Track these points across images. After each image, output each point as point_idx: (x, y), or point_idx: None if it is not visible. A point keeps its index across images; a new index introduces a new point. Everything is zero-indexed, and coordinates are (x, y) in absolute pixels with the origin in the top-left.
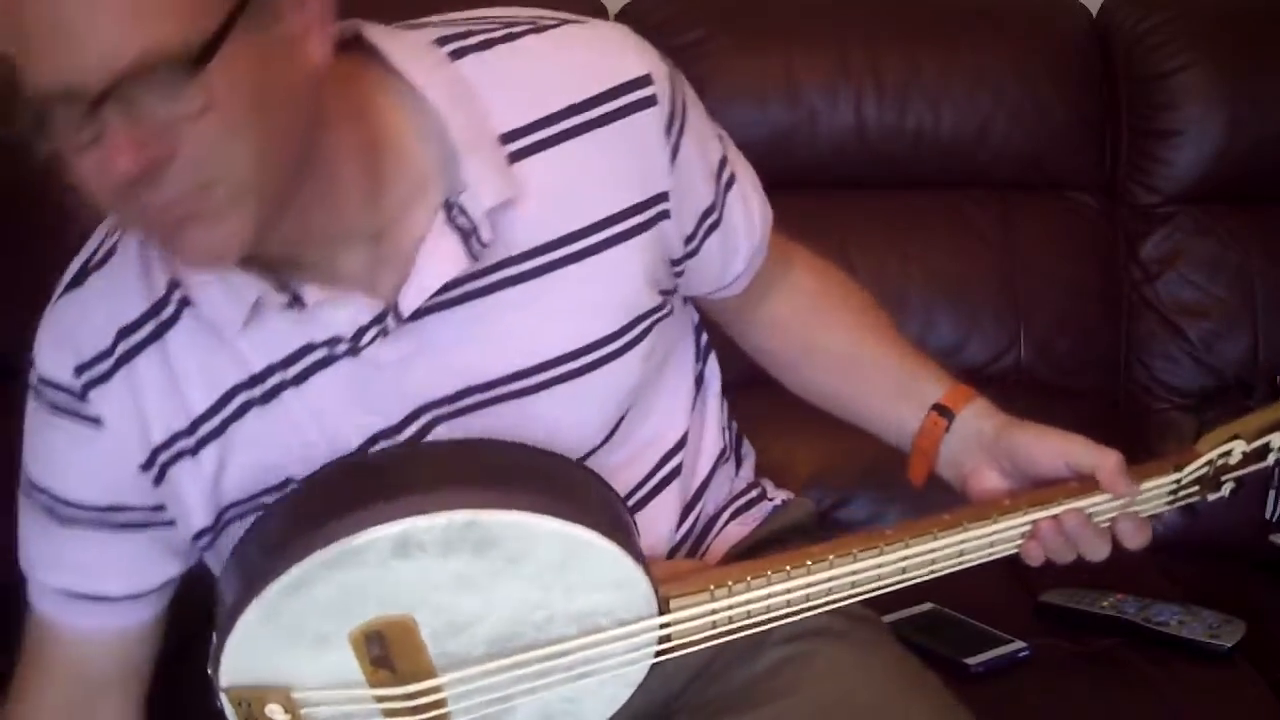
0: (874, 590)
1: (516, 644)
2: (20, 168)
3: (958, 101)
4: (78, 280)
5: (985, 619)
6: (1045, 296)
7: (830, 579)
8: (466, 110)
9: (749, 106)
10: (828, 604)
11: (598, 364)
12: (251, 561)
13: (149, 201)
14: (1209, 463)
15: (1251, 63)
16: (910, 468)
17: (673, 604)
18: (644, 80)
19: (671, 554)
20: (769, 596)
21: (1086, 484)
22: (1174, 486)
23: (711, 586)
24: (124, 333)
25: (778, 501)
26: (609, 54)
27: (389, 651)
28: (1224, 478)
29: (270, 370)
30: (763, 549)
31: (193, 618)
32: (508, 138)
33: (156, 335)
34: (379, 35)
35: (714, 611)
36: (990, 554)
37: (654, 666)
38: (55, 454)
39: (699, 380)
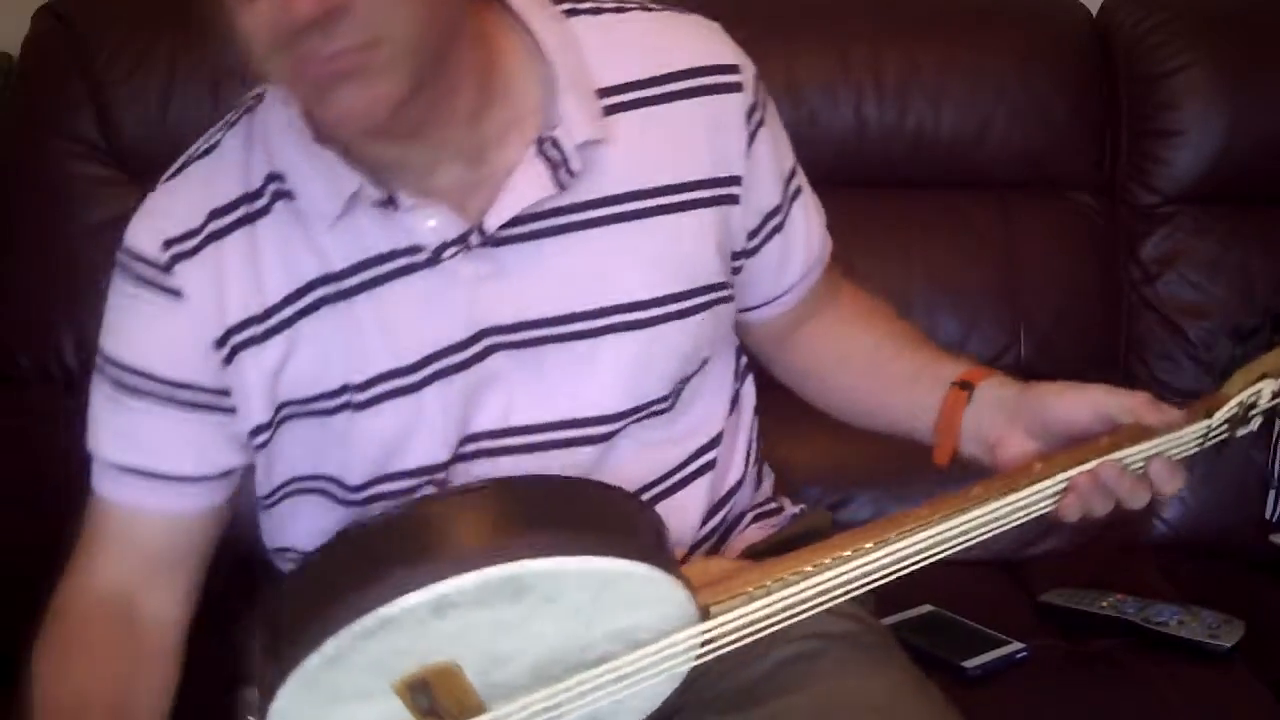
0: (906, 569)
1: (561, 668)
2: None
3: (958, 101)
4: (177, 172)
5: (985, 620)
6: (1045, 296)
7: (865, 565)
8: (571, 58)
9: None
10: (864, 587)
11: (661, 320)
12: (287, 628)
13: (315, 51)
14: (1239, 404)
15: (1251, 63)
16: (934, 448)
17: (713, 610)
18: (733, 68)
19: (694, 549)
20: (807, 590)
21: (1117, 437)
22: (1204, 431)
23: (750, 589)
24: (215, 214)
25: (796, 510)
26: (705, 39)
27: (434, 696)
28: (1251, 414)
29: (351, 270)
30: (783, 548)
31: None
32: (604, 92)
33: (246, 221)
34: None
35: (754, 613)
36: (1024, 517)
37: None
38: (133, 325)
39: (735, 398)
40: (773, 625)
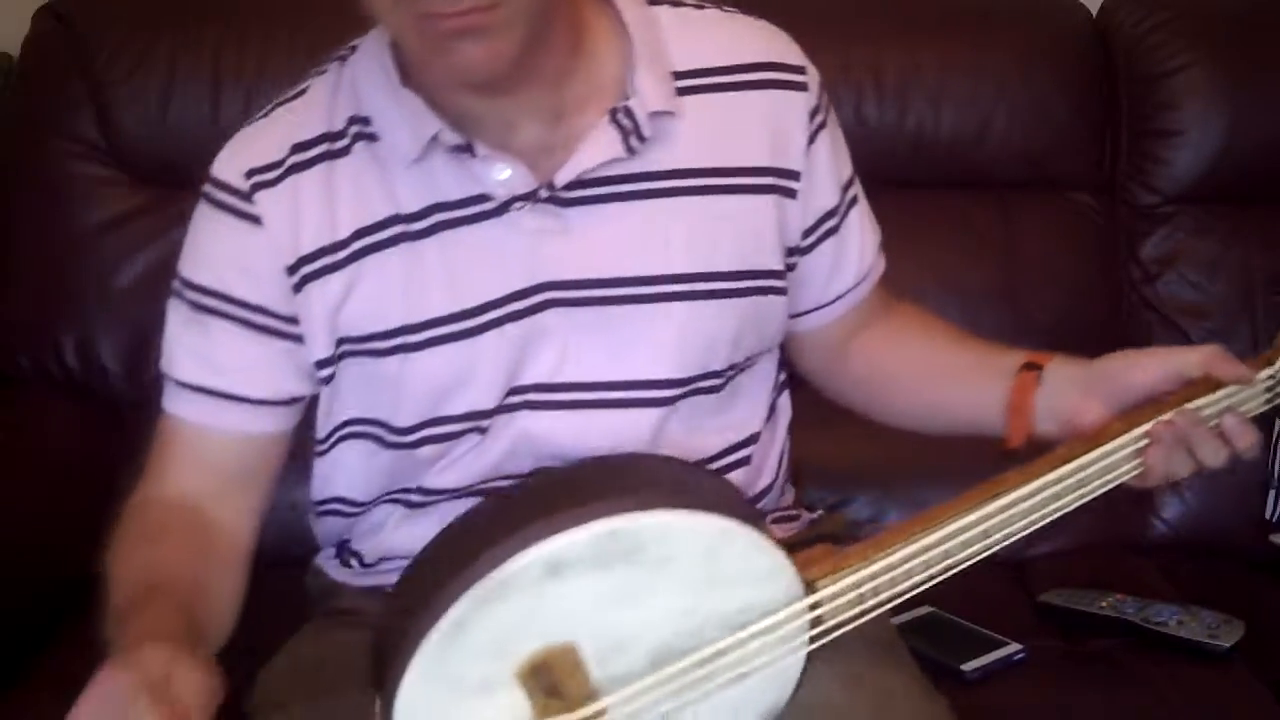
0: (1002, 541)
1: (677, 655)
2: None
3: (958, 101)
4: (267, 114)
5: (985, 620)
6: (1045, 296)
7: (963, 529)
8: (651, 39)
9: None
10: (964, 561)
11: (714, 295)
12: (400, 625)
13: (440, 9)
14: None
15: (1251, 63)
16: (1007, 431)
17: (818, 585)
18: (800, 69)
19: None
20: (909, 558)
21: (1189, 391)
22: (1270, 384)
23: (852, 562)
24: (297, 148)
25: (815, 515)
26: (776, 41)
27: (556, 678)
28: None
29: (421, 213)
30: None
31: None
32: (678, 75)
33: (327, 157)
34: None
35: (859, 583)
36: (1109, 480)
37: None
38: (214, 250)
39: (772, 407)
40: (881, 604)
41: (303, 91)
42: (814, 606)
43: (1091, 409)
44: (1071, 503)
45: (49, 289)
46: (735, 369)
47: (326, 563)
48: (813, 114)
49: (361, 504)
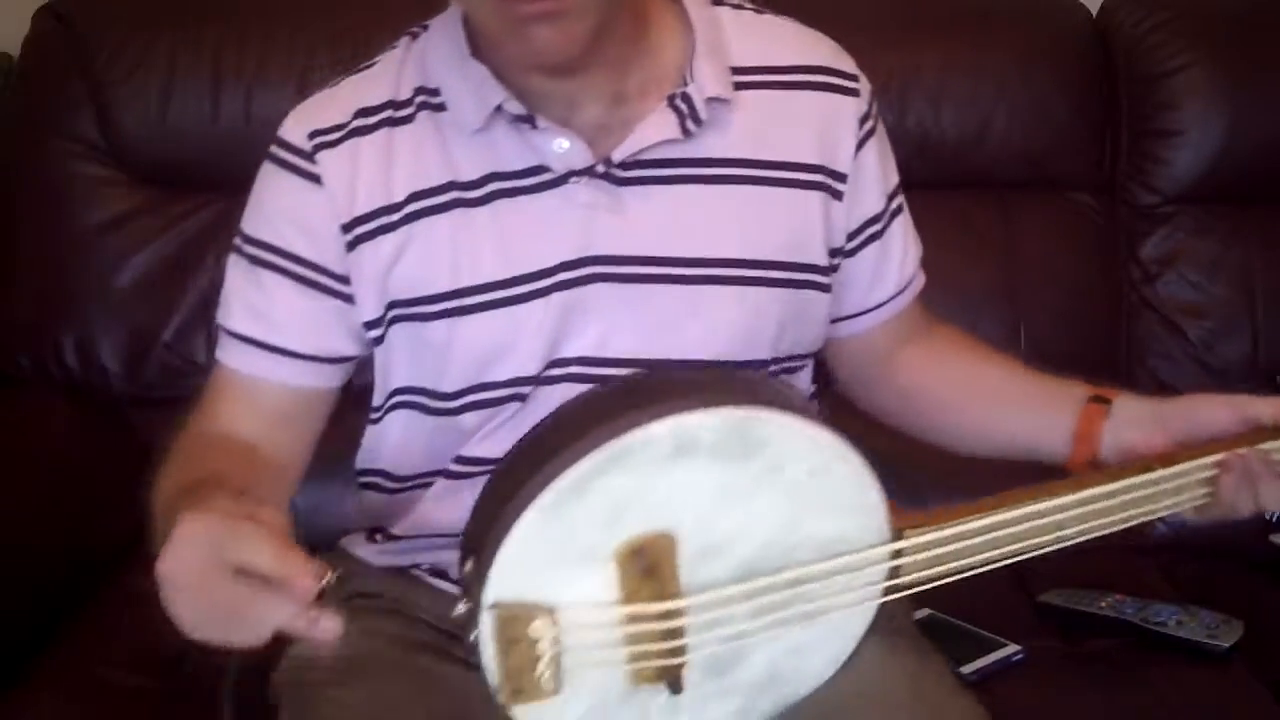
0: (1073, 537)
1: (765, 571)
2: None
3: (958, 101)
4: (336, 83)
5: (984, 621)
6: (1045, 296)
7: (1040, 513)
8: (712, 33)
9: None
10: (1031, 550)
11: (758, 283)
12: (524, 473)
13: None
14: None
15: (1251, 63)
16: (1071, 456)
17: (905, 534)
18: (853, 77)
19: None
20: (984, 531)
21: (1254, 436)
22: None
23: (938, 520)
24: (361, 113)
25: None
26: (832, 49)
27: (653, 565)
28: None
29: (478, 181)
30: None
31: None
32: (736, 70)
33: (389, 124)
34: None
35: (942, 542)
36: (1176, 502)
37: None
38: (276, 206)
39: None
40: (958, 571)
41: (371, 64)
42: (896, 555)
43: (1157, 444)
44: (1137, 516)
45: (49, 289)
46: (777, 361)
47: (352, 542)
48: (863, 120)
49: (401, 480)
